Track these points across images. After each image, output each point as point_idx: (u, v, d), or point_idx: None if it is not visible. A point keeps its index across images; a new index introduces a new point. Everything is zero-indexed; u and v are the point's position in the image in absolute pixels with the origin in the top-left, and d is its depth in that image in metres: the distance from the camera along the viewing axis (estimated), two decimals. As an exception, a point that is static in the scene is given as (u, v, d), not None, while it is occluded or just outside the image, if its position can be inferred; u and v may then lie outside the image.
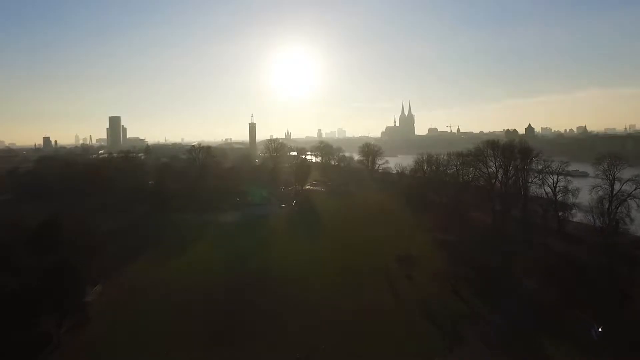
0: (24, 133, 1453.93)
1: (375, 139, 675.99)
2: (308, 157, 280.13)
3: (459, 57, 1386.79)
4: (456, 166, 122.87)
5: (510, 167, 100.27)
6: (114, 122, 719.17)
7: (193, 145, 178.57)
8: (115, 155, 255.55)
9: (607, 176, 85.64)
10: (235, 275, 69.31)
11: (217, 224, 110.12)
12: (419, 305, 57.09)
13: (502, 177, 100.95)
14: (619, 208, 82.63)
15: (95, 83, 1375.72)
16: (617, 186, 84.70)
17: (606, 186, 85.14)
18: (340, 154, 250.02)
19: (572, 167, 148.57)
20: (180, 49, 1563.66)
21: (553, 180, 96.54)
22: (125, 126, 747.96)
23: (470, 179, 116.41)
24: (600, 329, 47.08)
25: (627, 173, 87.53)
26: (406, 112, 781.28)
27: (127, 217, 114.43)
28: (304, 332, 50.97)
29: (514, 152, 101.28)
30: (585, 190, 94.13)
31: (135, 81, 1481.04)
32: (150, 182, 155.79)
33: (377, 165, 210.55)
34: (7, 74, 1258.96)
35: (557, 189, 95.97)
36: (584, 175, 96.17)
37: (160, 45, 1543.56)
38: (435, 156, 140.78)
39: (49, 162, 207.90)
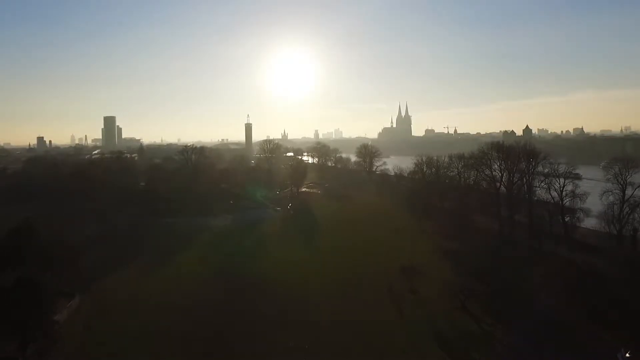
0: (20, 133, 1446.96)
1: (372, 139, 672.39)
2: (304, 158, 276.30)
3: (456, 58, 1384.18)
4: (457, 169, 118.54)
5: (515, 170, 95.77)
6: (109, 122, 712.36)
7: (186, 147, 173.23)
8: (107, 155, 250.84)
9: (617, 181, 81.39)
10: (225, 291, 64.09)
11: (209, 229, 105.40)
12: (426, 323, 52.22)
13: (506, 180, 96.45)
14: (631, 214, 78.55)
15: (92, 83, 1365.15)
16: (628, 191, 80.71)
17: (617, 191, 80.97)
18: (338, 155, 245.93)
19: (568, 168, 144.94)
20: (178, 49, 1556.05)
21: (560, 184, 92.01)
22: (121, 126, 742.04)
23: (472, 182, 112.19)
24: (628, 354, 42.47)
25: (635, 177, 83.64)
26: (403, 113, 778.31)
27: (114, 221, 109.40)
28: (301, 354, 46.38)
29: (519, 155, 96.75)
30: (593, 194, 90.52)
31: (133, 81, 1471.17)
32: (141, 184, 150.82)
33: (374, 167, 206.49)
34: (3, 73, 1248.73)
35: (564, 193, 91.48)
36: (577, 177, 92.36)
37: (158, 45, 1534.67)
38: (435, 158, 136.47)
39: (37, 162, 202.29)
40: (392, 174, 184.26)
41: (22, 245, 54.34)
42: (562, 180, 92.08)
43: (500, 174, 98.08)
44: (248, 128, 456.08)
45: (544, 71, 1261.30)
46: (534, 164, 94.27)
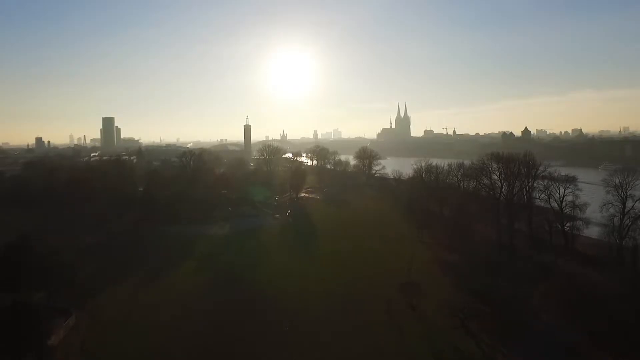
0: (18, 132, 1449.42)
1: (371, 140, 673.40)
2: (303, 159, 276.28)
3: (455, 58, 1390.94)
4: (457, 177, 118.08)
5: (515, 181, 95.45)
6: (108, 122, 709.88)
7: (185, 152, 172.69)
8: (106, 158, 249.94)
9: (618, 193, 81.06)
10: (223, 307, 63.12)
11: (207, 238, 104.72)
12: (424, 342, 51.73)
13: (506, 191, 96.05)
14: (632, 226, 78.23)
15: (90, 82, 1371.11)
16: (629, 203, 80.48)
17: (617, 203, 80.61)
18: (337, 157, 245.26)
19: (567, 172, 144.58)
20: (177, 49, 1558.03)
21: (560, 194, 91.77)
22: (119, 126, 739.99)
23: (471, 189, 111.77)
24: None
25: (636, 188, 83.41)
26: (402, 114, 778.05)
27: (112, 229, 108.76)
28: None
29: (519, 166, 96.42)
30: (592, 199, 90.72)
31: (131, 81, 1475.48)
32: (140, 189, 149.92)
33: (374, 171, 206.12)
34: (2, 73, 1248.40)
35: (564, 203, 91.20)
36: (572, 180, 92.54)
37: (157, 45, 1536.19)
38: (434, 164, 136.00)
39: (36, 166, 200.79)
40: (391, 177, 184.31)
41: (19, 264, 53.50)
42: (562, 190, 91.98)
43: (500, 184, 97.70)
44: (247, 129, 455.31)
45: (543, 71, 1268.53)
46: (534, 174, 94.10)
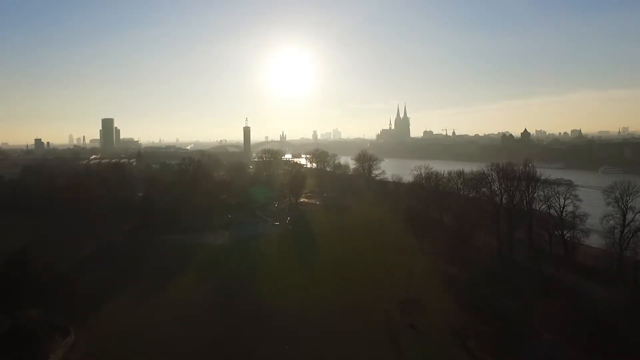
0: (17, 132, 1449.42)
1: (371, 141, 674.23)
2: (302, 161, 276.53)
3: (455, 58, 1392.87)
4: (457, 185, 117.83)
5: (516, 192, 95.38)
6: (107, 124, 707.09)
7: (184, 158, 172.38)
8: (106, 161, 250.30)
9: (618, 205, 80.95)
10: (226, 315, 63.37)
11: (206, 247, 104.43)
12: (424, 360, 51.79)
13: (506, 201, 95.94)
14: (632, 238, 78.10)
15: (90, 83, 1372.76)
16: (629, 215, 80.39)
17: (618, 215, 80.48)
18: (336, 160, 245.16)
19: (566, 175, 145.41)
20: (176, 49, 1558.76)
21: (560, 204, 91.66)
22: (118, 127, 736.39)
23: (471, 197, 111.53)
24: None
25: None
26: (402, 115, 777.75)
27: (111, 237, 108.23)
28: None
29: (519, 178, 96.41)
30: (591, 203, 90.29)
31: (131, 81, 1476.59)
32: (139, 194, 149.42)
33: (373, 175, 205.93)
34: (1, 73, 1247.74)
35: (564, 213, 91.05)
36: (569, 184, 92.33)
37: (156, 45, 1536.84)
38: (434, 170, 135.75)
39: (35, 170, 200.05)
40: (391, 181, 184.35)
41: (17, 281, 53.13)
42: (562, 200, 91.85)
43: (500, 194, 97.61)
44: (246, 131, 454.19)
45: (543, 71, 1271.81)
46: (534, 185, 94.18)
